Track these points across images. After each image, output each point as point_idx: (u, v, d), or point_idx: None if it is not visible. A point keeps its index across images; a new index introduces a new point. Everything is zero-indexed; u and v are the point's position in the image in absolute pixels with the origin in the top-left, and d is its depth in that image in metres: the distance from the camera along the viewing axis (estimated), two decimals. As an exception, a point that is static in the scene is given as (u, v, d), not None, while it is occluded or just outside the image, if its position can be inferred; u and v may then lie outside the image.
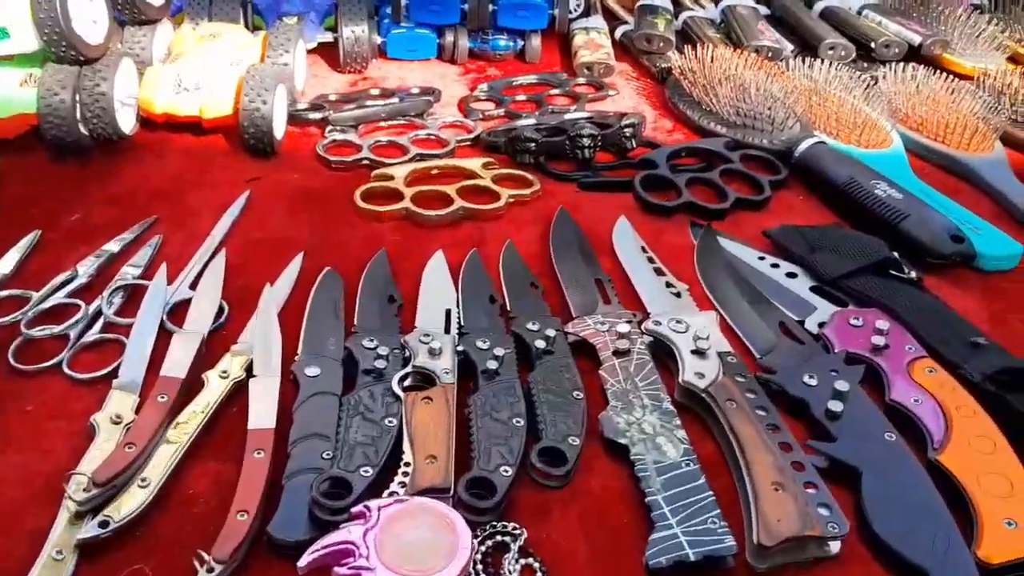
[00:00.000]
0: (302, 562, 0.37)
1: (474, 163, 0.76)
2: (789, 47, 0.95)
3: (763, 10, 1.02)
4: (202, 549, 0.41)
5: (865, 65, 0.96)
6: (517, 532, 0.43)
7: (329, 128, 0.79)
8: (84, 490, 0.42)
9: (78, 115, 0.70)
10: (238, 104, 0.74)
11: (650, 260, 0.65)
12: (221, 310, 0.57)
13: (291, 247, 0.64)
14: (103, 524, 0.41)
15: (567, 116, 0.83)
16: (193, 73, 0.74)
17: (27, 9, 0.68)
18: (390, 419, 0.48)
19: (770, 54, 0.92)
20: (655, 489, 0.46)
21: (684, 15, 1.01)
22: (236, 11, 0.87)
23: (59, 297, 0.56)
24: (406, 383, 0.51)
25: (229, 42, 0.79)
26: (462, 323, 0.57)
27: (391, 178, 0.73)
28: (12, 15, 0.68)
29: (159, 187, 0.70)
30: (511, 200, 0.71)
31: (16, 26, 0.68)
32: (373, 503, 0.39)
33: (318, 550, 0.37)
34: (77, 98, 0.69)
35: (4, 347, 0.52)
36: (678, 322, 0.56)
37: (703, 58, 0.88)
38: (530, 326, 0.56)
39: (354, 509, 0.39)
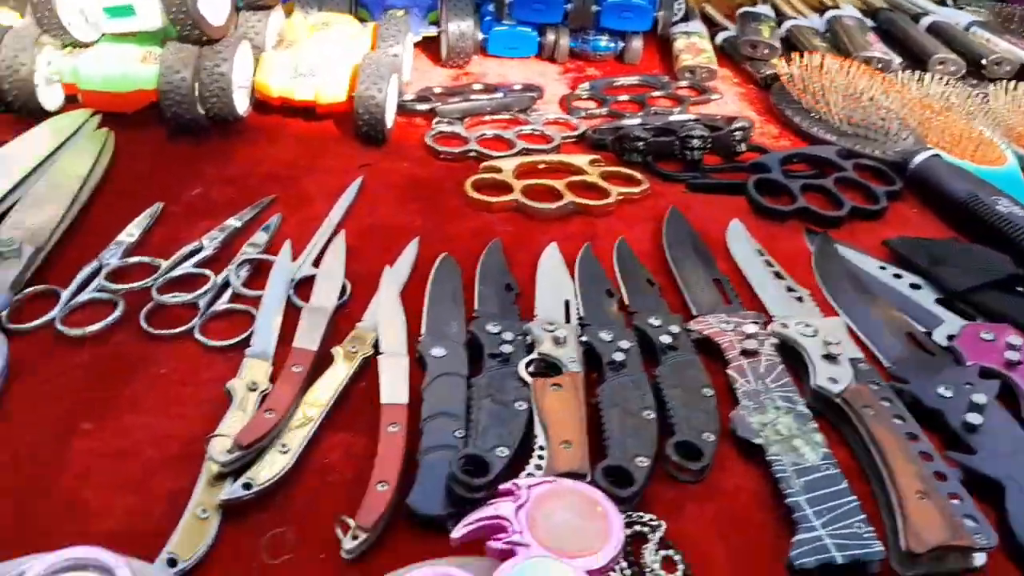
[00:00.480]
0: (456, 533, 0.37)
1: (581, 159, 0.75)
2: (897, 60, 0.94)
3: (868, 22, 1.01)
4: (338, 516, 0.41)
5: (975, 82, 0.93)
6: (655, 524, 0.42)
7: (436, 119, 0.80)
8: (228, 452, 0.42)
9: (196, 94, 0.71)
10: (352, 91, 0.75)
11: (767, 264, 0.64)
12: (343, 289, 0.57)
13: (404, 233, 0.64)
14: (246, 486, 0.41)
15: (672, 118, 0.82)
16: (308, 60, 0.75)
17: (157, -12, 0.69)
18: (520, 403, 0.48)
19: (880, 65, 0.91)
20: (796, 491, 0.44)
21: (788, 23, 1.00)
22: (344, 1, 0.88)
23: (187, 267, 0.56)
24: (531, 369, 0.50)
25: (340, 31, 0.80)
26: (582, 314, 0.56)
27: (499, 170, 0.73)
28: (138, -8, 0.70)
29: (273, 169, 0.71)
30: (620, 197, 0.71)
31: (142, 3, 0.70)
32: (522, 481, 0.38)
33: (471, 523, 0.37)
34: (197, 77, 0.70)
35: (135, 311, 0.53)
36: (807, 326, 0.55)
37: (813, 65, 0.87)
38: (652, 321, 0.55)
39: (502, 486, 0.39)
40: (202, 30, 0.69)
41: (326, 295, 0.55)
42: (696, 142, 0.75)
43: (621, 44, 0.96)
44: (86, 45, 0.73)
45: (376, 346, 0.52)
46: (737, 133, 0.77)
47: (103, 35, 0.74)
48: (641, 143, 0.75)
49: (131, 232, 0.59)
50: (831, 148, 0.79)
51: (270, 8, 0.80)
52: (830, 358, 0.52)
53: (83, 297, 0.53)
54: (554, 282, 0.59)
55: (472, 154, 0.75)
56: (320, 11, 0.86)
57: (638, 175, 0.74)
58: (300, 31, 0.80)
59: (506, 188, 0.70)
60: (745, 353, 0.53)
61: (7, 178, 0.60)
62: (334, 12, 0.85)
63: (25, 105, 0.71)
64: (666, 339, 0.53)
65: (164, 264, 0.56)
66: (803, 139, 0.84)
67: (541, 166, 0.75)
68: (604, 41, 0.95)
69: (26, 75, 0.70)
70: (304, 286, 0.57)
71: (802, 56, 0.89)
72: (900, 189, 0.75)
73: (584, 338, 0.53)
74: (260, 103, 0.77)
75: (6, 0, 0.83)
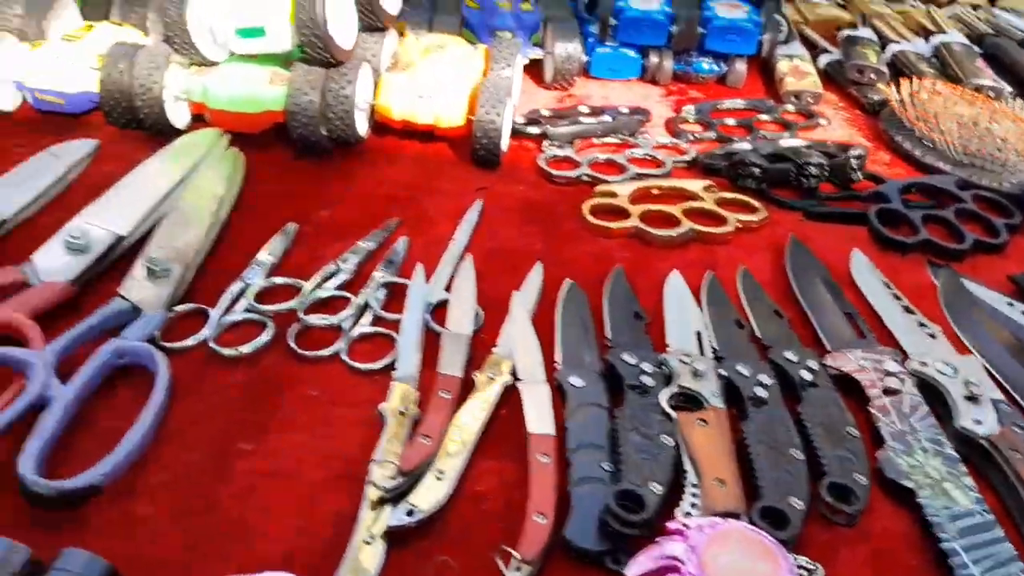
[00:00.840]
0: (631, 572, 0.37)
1: (695, 185, 0.75)
2: (1008, 88, 0.92)
3: (975, 48, 0.99)
4: (494, 545, 0.41)
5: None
6: (813, 567, 0.42)
7: (547, 143, 0.80)
8: (390, 477, 0.43)
9: (321, 115, 0.73)
10: (469, 114, 0.76)
11: (895, 297, 0.63)
12: (476, 314, 0.58)
13: (525, 256, 0.65)
14: (410, 513, 0.42)
15: (783, 143, 0.82)
16: (426, 82, 0.77)
17: (286, 10, 0.71)
18: (665, 437, 0.48)
19: (991, 93, 0.89)
20: (950, 536, 0.44)
21: (892, 48, 0.98)
22: (455, 24, 0.89)
23: (328, 288, 0.58)
24: (672, 402, 0.50)
25: (454, 54, 0.81)
26: (715, 346, 0.56)
27: (615, 195, 0.73)
28: (270, 15, 0.71)
29: (394, 191, 0.72)
30: (738, 225, 0.70)
31: (273, 25, 0.71)
32: (691, 521, 0.39)
33: (646, 562, 0.37)
34: (323, 99, 0.72)
35: (282, 332, 0.54)
36: (946, 364, 0.54)
37: (923, 92, 0.86)
38: (789, 356, 0.55)
39: (670, 525, 0.39)
40: (331, 53, 0.71)
41: (462, 320, 0.56)
42: (814, 169, 0.74)
43: (724, 66, 0.96)
44: (212, 64, 0.75)
45: (514, 373, 0.52)
46: (854, 161, 0.76)
47: (230, 55, 0.76)
48: (757, 169, 0.75)
49: (270, 251, 0.61)
50: (949, 178, 0.77)
51: (385, 30, 0.81)
52: (972, 399, 0.52)
53: (233, 317, 0.55)
54: (682, 311, 0.59)
55: (585, 178, 0.76)
56: (431, 32, 0.87)
57: (755, 202, 0.73)
58: (414, 53, 0.81)
59: (623, 213, 0.71)
60: (887, 392, 0.53)
61: (151, 196, 0.63)
62: (445, 33, 0.86)
63: (156, 123, 0.73)
64: (806, 375, 0.53)
65: (306, 286, 0.58)
66: (916, 167, 0.83)
67: (655, 191, 0.75)
68: (707, 64, 0.95)
69: (158, 93, 0.72)
70: (438, 310, 0.58)
71: (912, 82, 0.88)
72: (1020, 223, 0.74)
73: (722, 371, 0.53)
74: (380, 124, 0.79)
75: (127, 16, 0.87)
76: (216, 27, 0.73)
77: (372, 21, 0.79)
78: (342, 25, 0.73)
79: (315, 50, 0.71)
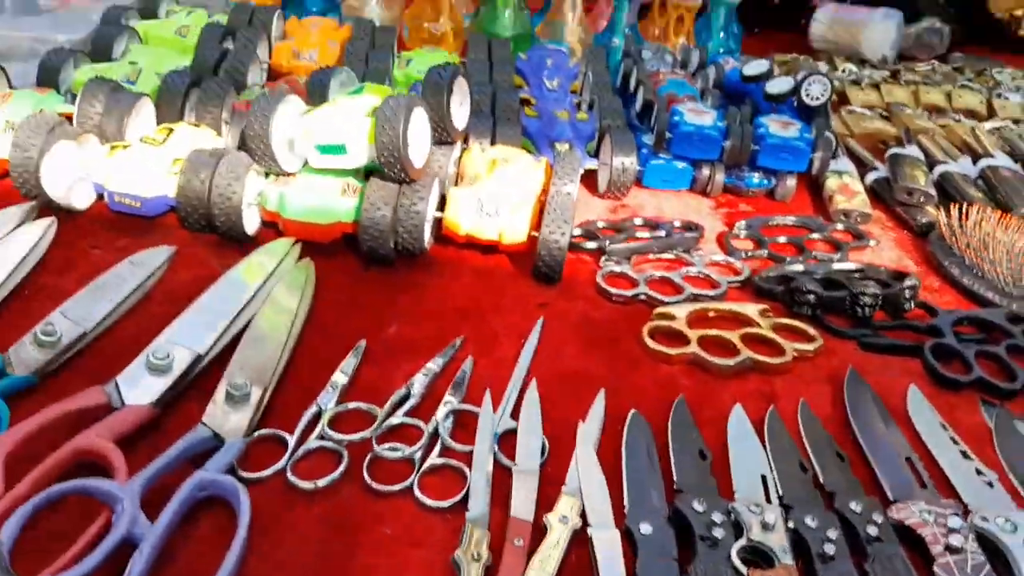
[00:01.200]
0: None
1: (751, 309, 0.77)
2: (1056, 213, 0.93)
3: (1021, 170, 1.01)
4: None
5: None
6: None
7: (605, 258, 0.82)
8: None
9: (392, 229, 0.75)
10: (531, 230, 0.78)
11: (953, 441, 0.64)
12: (543, 447, 0.59)
13: (587, 381, 0.66)
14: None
15: (836, 266, 0.83)
16: (492, 198, 0.79)
17: (367, 129, 0.74)
18: (739, 595, 0.48)
19: (1041, 221, 0.90)
20: None
21: (939, 168, 1.01)
22: (517, 134, 0.92)
23: (400, 415, 0.59)
24: (742, 554, 0.51)
25: (517, 167, 0.84)
26: (780, 492, 0.57)
27: (673, 317, 0.74)
28: (351, 133, 0.75)
29: (460, 305, 0.74)
30: (795, 354, 0.72)
31: (354, 143, 0.75)
32: None
33: None
34: (394, 214, 0.75)
35: (357, 463, 0.55)
36: (1006, 520, 0.55)
37: (973, 219, 0.87)
38: (854, 507, 0.55)
39: None
40: (407, 173, 0.74)
41: (530, 455, 0.57)
42: (868, 299, 0.76)
43: (773, 181, 0.98)
44: (288, 174, 0.78)
45: (583, 515, 0.53)
46: (907, 291, 0.77)
47: (305, 164, 0.79)
48: (812, 296, 0.76)
49: (343, 372, 0.63)
50: (1000, 312, 0.78)
51: (453, 144, 0.84)
52: (1037, 560, 0.52)
53: (309, 445, 0.56)
54: (746, 452, 0.60)
55: (642, 297, 0.78)
56: (493, 145, 0.90)
57: (810, 330, 0.74)
58: (480, 165, 0.84)
59: (682, 338, 0.72)
60: (950, 549, 0.53)
61: (229, 312, 0.65)
62: (508, 145, 0.89)
63: (231, 230, 0.76)
64: (872, 530, 0.53)
65: (380, 413, 0.59)
66: (964, 295, 0.84)
67: (712, 314, 0.76)
68: (757, 178, 0.98)
69: (237, 203, 0.75)
70: (505, 439, 0.59)
71: (957, 205, 0.90)
72: (1071, 358, 0.75)
73: (790, 523, 0.53)
74: (441, 235, 0.81)
75: (203, 116, 0.90)
76: (298, 142, 0.76)
77: (443, 137, 0.82)
78: (418, 145, 0.76)
79: (393, 170, 0.74)
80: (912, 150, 1.03)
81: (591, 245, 0.84)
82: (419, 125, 0.76)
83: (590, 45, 1.22)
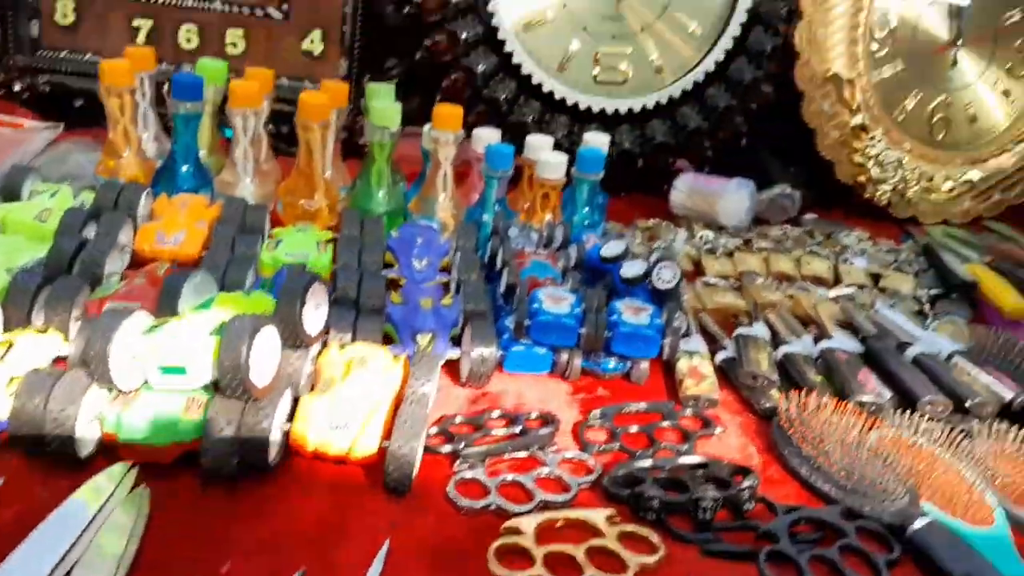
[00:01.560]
0: None
1: (598, 516, 0.78)
2: (888, 394, 0.99)
3: (857, 348, 1.08)
4: None
5: (959, 417, 0.99)
6: None
7: (459, 462, 0.83)
8: None
9: (234, 448, 0.74)
10: (384, 439, 0.78)
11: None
12: None
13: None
14: None
15: (681, 460, 0.86)
16: (344, 408, 0.79)
17: (210, 349, 0.74)
18: None
19: (873, 408, 0.96)
20: None
21: (782, 349, 1.07)
22: (378, 329, 0.93)
23: None
24: None
25: (375, 369, 0.84)
26: None
27: (520, 532, 0.75)
28: (194, 354, 0.74)
29: (303, 530, 0.72)
30: (638, 568, 0.73)
31: (194, 365, 0.74)
32: None
33: None
34: (237, 432, 0.74)
35: None
36: None
37: (809, 408, 0.93)
38: None
39: None
40: (250, 394, 0.73)
41: None
42: (708, 502, 0.79)
43: (627, 364, 1.02)
44: (127, 392, 0.77)
45: None
46: (747, 492, 0.81)
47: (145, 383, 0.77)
48: (655, 501, 0.79)
49: (167, 629, 0.60)
50: (835, 511, 0.82)
51: (309, 347, 0.85)
52: None
53: None
54: None
55: (493, 508, 0.78)
56: (354, 341, 0.90)
57: (654, 538, 0.76)
58: (336, 367, 0.84)
59: (528, 558, 0.73)
60: None
61: (49, 561, 0.62)
62: (368, 341, 0.90)
63: (61, 452, 0.73)
64: None
65: None
66: (804, 487, 0.88)
67: (560, 523, 0.77)
68: (613, 363, 1.01)
69: (70, 428, 0.73)
70: None
71: (798, 391, 0.95)
72: (898, 558, 0.78)
73: None
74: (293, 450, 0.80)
75: (51, 318, 0.88)
76: (141, 362, 0.75)
77: (296, 343, 0.82)
78: (264, 363, 0.76)
79: (235, 392, 0.73)
80: (759, 329, 1.09)
81: (446, 449, 0.84)
82: (267, 344, 0.76)
83: (461, 220, 1.26)
